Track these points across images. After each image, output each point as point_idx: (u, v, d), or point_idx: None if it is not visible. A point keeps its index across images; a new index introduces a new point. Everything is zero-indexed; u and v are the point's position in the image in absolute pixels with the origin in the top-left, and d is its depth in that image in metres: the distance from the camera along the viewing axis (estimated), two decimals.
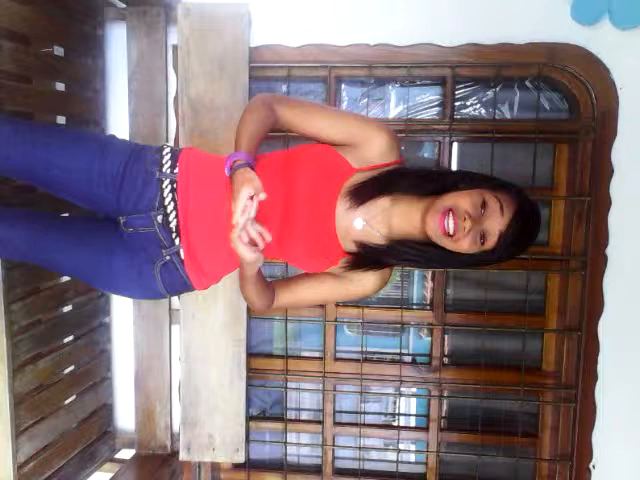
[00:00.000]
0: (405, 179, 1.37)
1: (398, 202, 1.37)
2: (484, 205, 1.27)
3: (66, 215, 1.65)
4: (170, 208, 1.43)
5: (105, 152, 1.45)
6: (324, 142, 1.42)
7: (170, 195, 1.43)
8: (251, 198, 1.17)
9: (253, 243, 1.21)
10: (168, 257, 1.46)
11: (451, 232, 1.27)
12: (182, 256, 1.45)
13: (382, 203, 1.38)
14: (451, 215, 1.27)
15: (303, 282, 1.49)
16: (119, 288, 1.54)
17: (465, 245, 1.28)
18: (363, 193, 1.37)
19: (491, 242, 1.28)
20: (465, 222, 1.26)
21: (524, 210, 1.28)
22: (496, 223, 1.26)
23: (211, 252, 1.46)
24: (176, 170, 1.45)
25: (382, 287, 1.46)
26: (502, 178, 1.36)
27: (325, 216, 1.39)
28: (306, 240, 1.41)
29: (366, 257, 1.40)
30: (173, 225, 1.44)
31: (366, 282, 1.44)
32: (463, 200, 1.27)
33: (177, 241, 1.45)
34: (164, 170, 1.45)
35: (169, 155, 1.47)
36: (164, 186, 1.44)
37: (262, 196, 1.18)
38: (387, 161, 1.40)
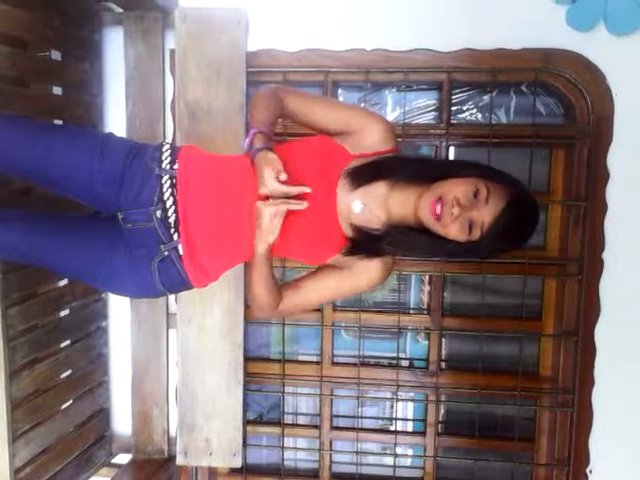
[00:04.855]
0: (406, 166, 1.40)
1: (396, 188, 1.39)
2: (477, 194, 1.27)
3: (64, 215, 1.65)
4: (169, 203, 1.44)
5: (104, 150, 1.46)
6: (323, 130, 1.47)
7: (169, 190, 1.44)
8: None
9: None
10: (166, 253, 1.45)
11: (439, 217, 1.29)
12: (181, 252, 1.45)
13: (380, 188, 1.40)
14: (440, 201, 1.29)
15: (310, 280, 1.49)
16: (118, 286, 1.54)
17: (453, 231, 1.29)
18: (362, 175, 1.40)
19: (477, 231, 1.28)
20: (453, 208, 1.27)
21: (513, 203, 1.28)
22: (482, 212, 1.27)
23: (210, 248, 1.46)
24: (175, 166, 1.46)
25: (386, 277, 1.46)
26: (504, 171, 1.37)
27: (326, 203, 1.40)
28: (309, 229, 1.41)
29: (363, 242, 1.41)
30: (172, 220, 1.44)
31: (370, 272, 1.44)
32: (455, 188, 1.29)
33: (175, 236, 1.45)
34: (163, 166, 1.45)
35: (168, 152, 1.48)
36: (163, 181, 1.44)
37: (283, 177, 1.29)
38: (385, 148, 1.43)
